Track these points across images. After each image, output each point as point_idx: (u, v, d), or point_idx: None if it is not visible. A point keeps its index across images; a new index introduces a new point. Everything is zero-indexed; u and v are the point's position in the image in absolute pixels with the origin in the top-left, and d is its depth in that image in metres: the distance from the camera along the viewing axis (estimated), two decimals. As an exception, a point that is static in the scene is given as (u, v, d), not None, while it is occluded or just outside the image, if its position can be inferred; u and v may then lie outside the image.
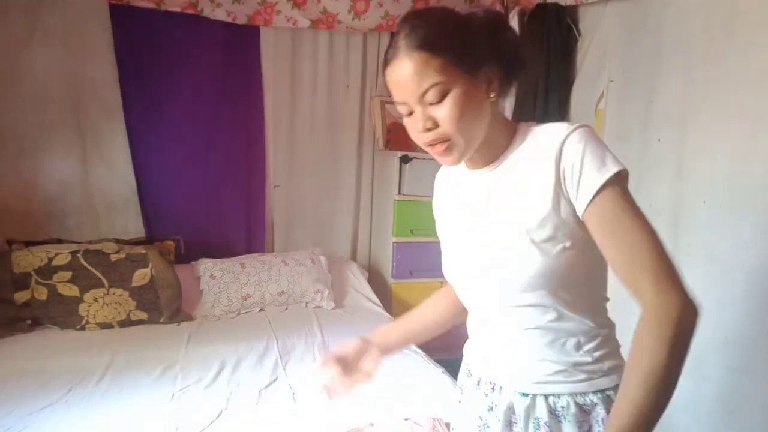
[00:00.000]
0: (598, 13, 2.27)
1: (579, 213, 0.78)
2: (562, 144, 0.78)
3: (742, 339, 1.68)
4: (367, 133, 3.17)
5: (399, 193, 2.96)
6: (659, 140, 1.95)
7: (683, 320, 0.70)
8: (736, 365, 1.69)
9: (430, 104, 0.79)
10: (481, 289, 0.89)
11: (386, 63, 0.82)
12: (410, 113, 0.83)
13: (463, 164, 0.94)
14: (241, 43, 2.82)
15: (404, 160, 2.93)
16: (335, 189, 3.15)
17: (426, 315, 1.11)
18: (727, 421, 1.71)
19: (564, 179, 0.78)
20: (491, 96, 0.83)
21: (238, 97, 2.86)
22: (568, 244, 0.79)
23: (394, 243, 2.99)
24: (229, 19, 2.73)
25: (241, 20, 2.76)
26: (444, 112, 0.79)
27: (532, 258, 0.79)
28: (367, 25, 2.93)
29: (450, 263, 0.96)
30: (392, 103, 3.52)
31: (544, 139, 0.82)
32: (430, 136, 0.81)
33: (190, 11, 2.63)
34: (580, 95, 2.40)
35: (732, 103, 1.69)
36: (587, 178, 0.76)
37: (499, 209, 0.86)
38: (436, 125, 0.80)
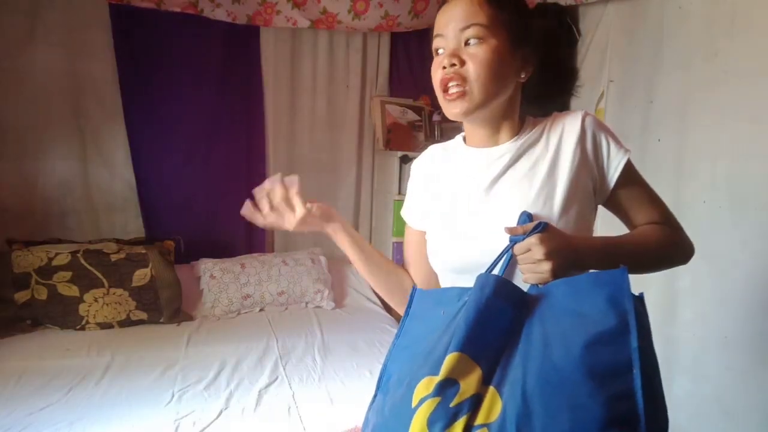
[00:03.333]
0: (598, 13, 2.27)
1: (611, 179, 0.89)
2: (582, 131, 0.88)
3: (741, 339, 1.68)
4: (367, 133, 3.17)
5: (399, 193, 2.96)
6: (659, 140, 1.95)
7: (687, 244, 0.93)
8: (735, 365, 1.69)
9: (466, 44, 0.85)
10: (490, 260, 0.86)
11: (443, 3, 0.88)
12: (442, 50, 0.87)
13: (461, 145, 0.97)
14: (241, 43, 2.82)
15: (404, 160, 2.93)
16: (335, 189, 3.15)
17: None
18: (726, 420, 1.71)
19: (594, 157, 0.88)
20: (521, 76, 0.89)
21: (238, 97, 2.86)
22: (579, 208, 0.87)
23: (393, 243, 2.99)
24: (229, 19, 2.73)
25: (241, 20, 2.76)
26: (476, 54, 0.84)
27: (551, 220, 0.83)
28: (367, 25, 2.92)
29: (451, 236, 0.92)
30: (392, 102, 3.48)
31: (560, 123, 0.90)
32: (451, 72, 0.84)
33: (190, 11, 2.63)
34: (580, 95, 2.40)
35: (732, 103, 1.69)
36: (614, 156, 0.89)
37: (519, 185, 0.88)
38: (462, 63, 0.84)
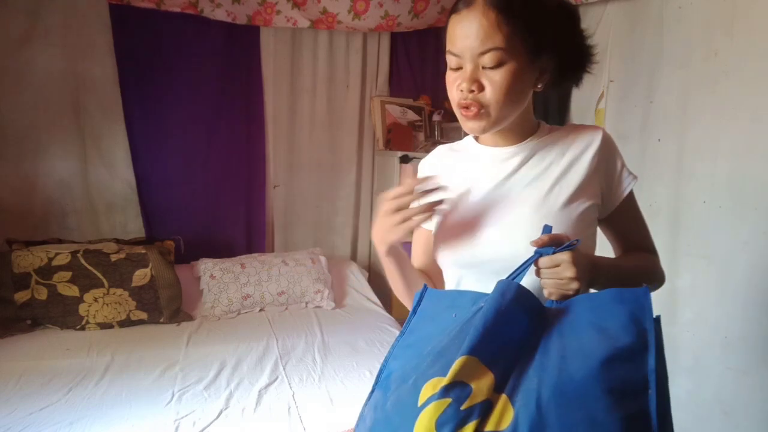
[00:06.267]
0: (598, 13, 2.27)
1: (618, 197, 0.93)
2: (602, 144, 0.90)
3: (741, 339, 1.69)
4: (367, 133, 3.17)
5: (399, 193, 2.95)
6: (659, 140, 1.95)
7: (663, 274, 1.00)
8: (735, 365, 1.70)
9: (483, 67, 0.81)
10: (497, 254, 0.87)
11: (455, 10, 0.83)
12: (458, 68, 0.84)
13: (472, 143, 0.97)
14: (241, 43, 2.82)
15: (404, 160, 2.92)
16: (335, 189, 3.15)
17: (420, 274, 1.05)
18: (726, 420, 1.71)
19: (606, 172, 0.91)
20: (538, 87, 0.88)
21: (238, 97, 2.86)
22: (582, 208, 0.88)
23: (394, 243, 2.99)
24: (229, 20, 2.73)
25: (241, 20, 2.76)
26: (495, 79, 0.81)
27: (558, 221, 0.84)
28: (367, 25, 2.92)
29: (462, 231, 0.92)
30: (392, 102, 3.47)
31: (579, 132, 0.92)
32: (470, 97, 0.82)
33: (190, 11, 2.63)
34: (580, 95, 2.40)
35: (732, 103, 1.69)
36: (625, 177, 0.93)
37: (531, 184, 0.89)
38: (480, 89, 0.82)
